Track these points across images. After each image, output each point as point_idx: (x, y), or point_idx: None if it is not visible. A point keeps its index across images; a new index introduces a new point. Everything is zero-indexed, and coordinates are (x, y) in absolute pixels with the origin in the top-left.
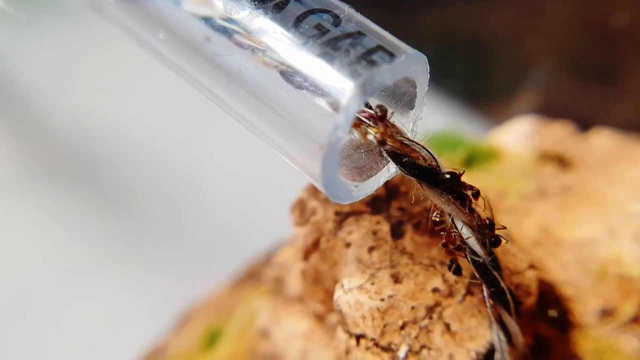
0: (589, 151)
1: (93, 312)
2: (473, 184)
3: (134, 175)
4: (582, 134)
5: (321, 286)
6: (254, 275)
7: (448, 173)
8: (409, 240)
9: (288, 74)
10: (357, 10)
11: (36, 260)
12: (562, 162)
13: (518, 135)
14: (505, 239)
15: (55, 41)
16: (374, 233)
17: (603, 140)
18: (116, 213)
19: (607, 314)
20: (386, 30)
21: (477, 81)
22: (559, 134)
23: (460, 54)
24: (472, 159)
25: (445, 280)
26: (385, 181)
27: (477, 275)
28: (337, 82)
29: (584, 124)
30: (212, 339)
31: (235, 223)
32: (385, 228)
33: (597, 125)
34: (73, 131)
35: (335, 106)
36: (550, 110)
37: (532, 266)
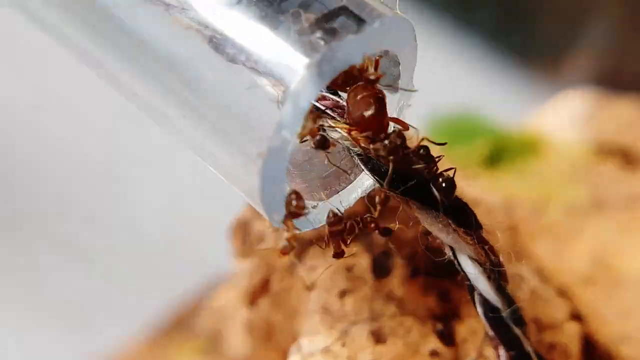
0: None
1: None
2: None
3: (39, 180)
4: None
5: (274, 344)
6: (183, 325)
7: (445, 181)
8: (398, 280)
9: (216, 43)
10: None
11: None
12: (628, 158)
13: (566, 119)
14: None
15: None
16: (348, 270)
17: None
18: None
19: None
20: None
21: (509, 37)
22: (625, 117)
23: None
24: (499, 155)
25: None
26: (357, 199)
27: (491, 333)
28: (284, 58)
29: None
30: None
31: (159, 249)
32: (364, 262)
33: None
34: None
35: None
36: (613, 81)
37: (575, 316)
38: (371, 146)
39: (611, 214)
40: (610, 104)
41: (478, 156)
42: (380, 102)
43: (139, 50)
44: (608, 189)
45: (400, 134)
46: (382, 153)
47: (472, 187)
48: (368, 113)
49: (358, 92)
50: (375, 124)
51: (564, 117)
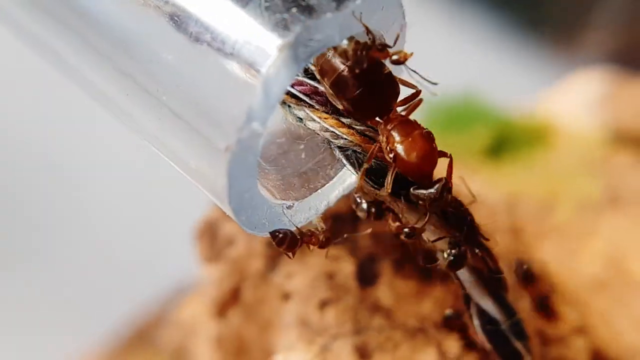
0: None
1: None
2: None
3: None
4: None
5: None
6: (144, 339)
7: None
8: (386, 288)
9: (178, 20)
10: None
11: None
12: None
13: (579, 103)
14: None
15: None
16: (330, 277)
17: None
18: None
19: None
20: None
21: (515, 8)
22: None
23: None
24: (502, 145)
25: (441, 353)
26: (339, 198)
27: (490, 347)
28: (254, 38)
29: None
30: None
31: (116, 254)
32: (347, 268)
33: None
34: None
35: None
36: (632, 59)
37: (584, 327)
38: (412, 191)
39: (628, 211)
40: (630, 85)
41: (478, 146)
42: (434, 145)
43: (89, 30)
44: (624, 182)
45: (446, 185)
46: (424, 199)
47: (470, 181)
48: (426, 159)
49: (405, 130)
50: (427, 171)
51: (577, 100)
